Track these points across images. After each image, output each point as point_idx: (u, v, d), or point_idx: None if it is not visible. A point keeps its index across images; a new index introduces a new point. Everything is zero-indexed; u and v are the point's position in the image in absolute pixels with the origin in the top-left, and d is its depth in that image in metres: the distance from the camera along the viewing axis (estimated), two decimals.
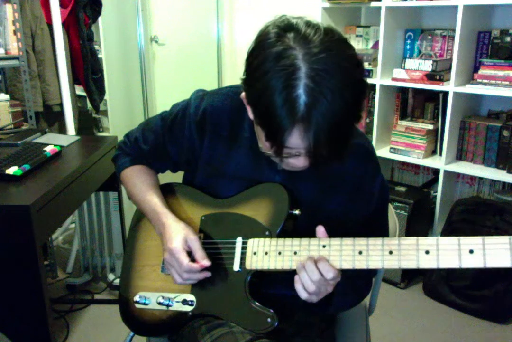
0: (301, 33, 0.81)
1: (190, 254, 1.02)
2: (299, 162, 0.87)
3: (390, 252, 0.84)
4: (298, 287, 0.90)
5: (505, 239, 0.75)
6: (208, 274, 1.03)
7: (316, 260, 0.89)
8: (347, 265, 0.87)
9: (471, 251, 0.77)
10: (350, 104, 0.80)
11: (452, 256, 0.78)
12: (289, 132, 0.80)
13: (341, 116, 0.79)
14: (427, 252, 0.80)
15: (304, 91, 0.77)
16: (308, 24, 0.83)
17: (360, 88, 0.82)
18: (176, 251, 1.01)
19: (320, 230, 0.91)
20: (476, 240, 0.77)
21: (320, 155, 0.83)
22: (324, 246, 0.90)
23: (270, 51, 0.80)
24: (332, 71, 0.78)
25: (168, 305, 1.08)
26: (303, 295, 0.91)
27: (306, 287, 0.89)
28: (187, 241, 1.03)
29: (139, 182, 1.18)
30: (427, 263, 0.80)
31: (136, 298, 1.12)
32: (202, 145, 1.09)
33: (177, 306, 1.07)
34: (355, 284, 1.08)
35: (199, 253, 1.01)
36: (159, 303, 1.08)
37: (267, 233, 1.00)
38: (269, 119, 0.81)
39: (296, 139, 0.81)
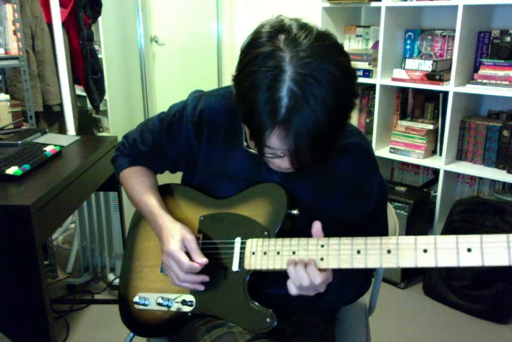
0: (292, 35, 0.80)
1: (187, 255, 1.02)
2: (284, 163, 0.88)
3: (388, 251, 0.84)
4: (288, 282, 0.91)
5: (503, 237, 0.75)
6: (206, 278, 1.03)
7: (306, 263, 0.90)
8: (345, 265, 0.87)
9: (469, 250, 0.77)
10: (334, 113, 0.79)
11: (450, 255, 0.78)
12: (269, 132, 0.80)
13: (323, 124, 0.79)
14: (425, 251, 0.80)
15: (287, 94, 0.77)
16: (302, 26, 0.82)
17: (346, 96, 0.81)
18: (174, 253, 1.01)
19: (316, 225, 0.91)
20: (474, 238, 0.77)
21: (301, 159, 0.83)
22: (322, 246, 0.90)
23: (259, 51, 0.80)
24: (318, 77, 0.77)
25: (167, 306, 1.08)
26: (292, 290, 0.91)
27: (297, 285, 0.90)
28: (184, 241, 1.03)
29: (137, 183, 1.18)
30: (425, 261, 0.80)
31: (136, 299, 1.12)
32: (200, 146, 1.09)
33: (177, 307, 1.07)
34: (354, 281, 1.08)
35: (195, 252, 1.01)
36: (159, 304, 1.08)
37: (265, 233, 1.00)
38: (252, 118, 0.81)
39: (276, 140, 0.82)
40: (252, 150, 0.90)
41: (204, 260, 1.00)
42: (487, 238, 0.76)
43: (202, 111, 1.07)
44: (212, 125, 1.07)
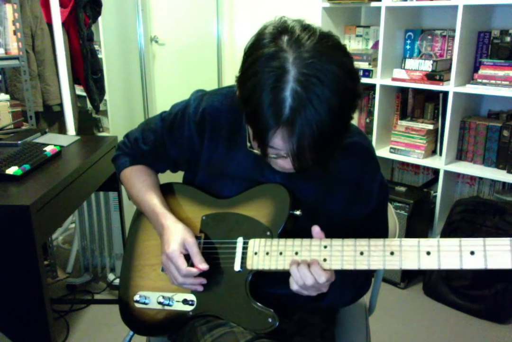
0: (295, 36, 0.81)
1: (188, 257, 1.02)
2: (287, 164, 0.88)
3: (392, 253, 0.84)
4: (290, 279, 0.92)
5: (506, 240, 0.75)
6: (204, 281, 1.03)
7: (309, 263, 0.90)
8: (348, 266, 0.87)
9: (472, 252, 0.77)
10: (337, 113, 0.79)
11: (453, 257, 0.78)
12: (273, 132, 0.80)
13: (326, 124, 0.79)
14: (428, 253, 0.80)
15: (291, 95, 0.77)
16: (305, 28, 0.83)
17: (350, 97, 0.81)
18: (173, 256, 1.01)
19: (315, 229, 0.91)
20: (477, 241, 0.77)
21: (303, 160, 0.83)
22: (325, 247, 0.90)
23: (262, 52, 0.81)
24: (322, 78, 0.77)
25: (168, 305, 1.08)
26: (294, 287, 0.92)
27: (300, 284, 0.91)
28: (185, 244, 1.03)
29: (138, 182, 1.18)
30: (428, 264, 0.80)
31: (136, 297, 1.11)
32: (202, 146, 1.09)
33: (178, 306, 1.07)
34: (355, 282, 1.08)
35: (197, 257, 1.01)
36: (160, 303, 1.08)
37: (268, 233, 1.00)
38: (257, 118, 0.81)
39: (279, 141, 0.82)
40: (255, 151, 0.90)
41: (204, 267, 1.00)
42: (490, 241, 0.76)
43: (205, 110, 1.07)
44: (215, 125, 1.07)
